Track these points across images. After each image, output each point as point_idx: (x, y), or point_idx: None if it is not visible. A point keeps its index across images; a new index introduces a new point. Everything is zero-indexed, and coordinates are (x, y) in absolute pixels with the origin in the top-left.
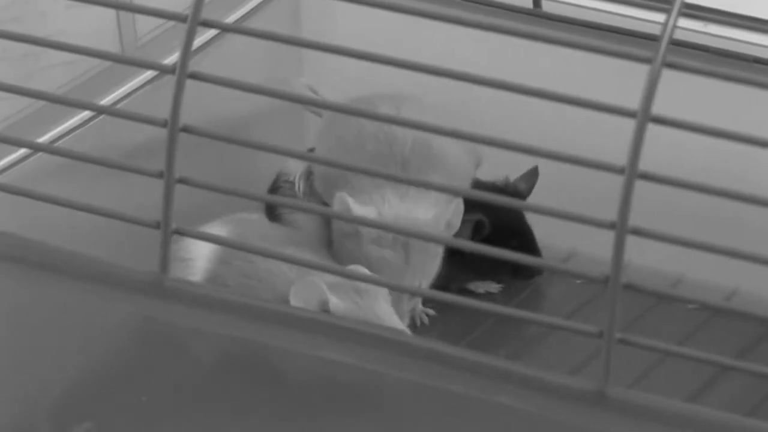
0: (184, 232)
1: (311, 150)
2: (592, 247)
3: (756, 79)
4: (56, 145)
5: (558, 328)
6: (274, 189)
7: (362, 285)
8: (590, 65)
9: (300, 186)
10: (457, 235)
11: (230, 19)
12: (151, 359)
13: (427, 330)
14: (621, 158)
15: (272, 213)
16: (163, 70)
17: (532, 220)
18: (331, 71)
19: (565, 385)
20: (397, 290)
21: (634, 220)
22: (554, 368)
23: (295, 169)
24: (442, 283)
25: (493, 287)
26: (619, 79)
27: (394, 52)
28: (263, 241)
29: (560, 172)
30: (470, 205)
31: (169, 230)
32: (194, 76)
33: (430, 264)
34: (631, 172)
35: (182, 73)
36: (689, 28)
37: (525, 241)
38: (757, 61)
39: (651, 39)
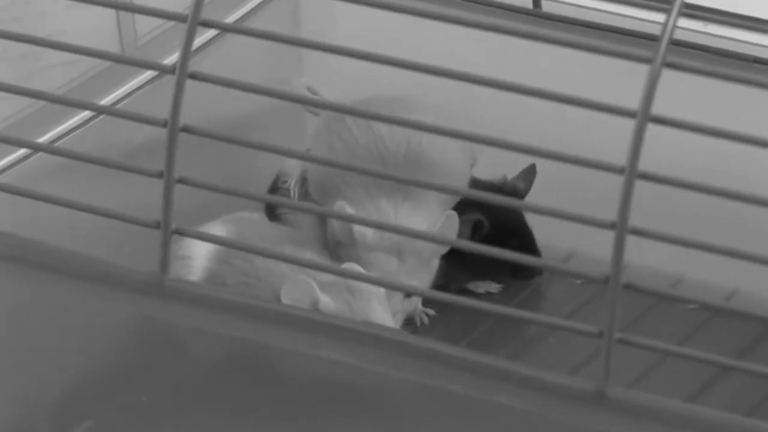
0: (184, 232)
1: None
2: (592, 247)
3: (756, 79)
4: (56, 145)
5: (558, 328)
6: (274, 189)
7: (356, 285)
8: (590, 65)
9: (295, 191)
10: (457, 235)
11: (230, 19)
12: (151, 359)
13: (427, 330)
14: (621, 158)
15: (272, 213)
16: (163, 70)
17: (532, 220)
18: (331, 71)
19: (565, 385)
20: (394, 289)
21: (634, 220)
22: (554, 368)
23: (295, 169)
24: (441, 283)
25: (493, 287)
26: (619, 79)
27: (394, 52)
28: (263, 240)
29: (560, 172)
30: (469, 205)
31: (169, 230)
32: (194, 76)
33: (424, 270)
34: (631, 172)
35: (182, 73)
36: (689, 28)
37: (525, 241)
38: (757, 61)
39: (651, 39)
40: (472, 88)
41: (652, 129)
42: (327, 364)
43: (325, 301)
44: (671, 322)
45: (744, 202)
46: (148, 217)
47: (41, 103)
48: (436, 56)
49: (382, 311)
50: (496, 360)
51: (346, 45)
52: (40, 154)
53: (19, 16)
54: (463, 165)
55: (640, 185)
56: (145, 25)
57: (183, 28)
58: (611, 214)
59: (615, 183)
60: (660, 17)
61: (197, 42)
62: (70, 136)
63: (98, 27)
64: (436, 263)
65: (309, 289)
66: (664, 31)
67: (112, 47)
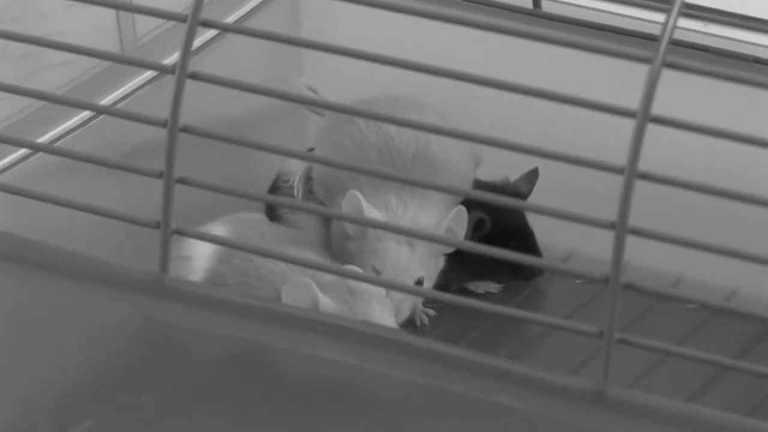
0: (184, 232)
1: (311, 150)
2: (592, 247)
3: (756, 79)
4: (56, 145)
5: (558, 328)
6: (274, 189)
7: (357, 286)
8: (590, 65)
9: (299, 189)
10: None
11: (230, 19)
12: (151, 359)
13: (427, 330)
14: (621, 158)
15: (272, 213)
16: (163, 70)
17: (532, 220)
18: (331, 71)
19: (565, 385)
20: (395, 289)
21: (634, 220)
22: (554, 368)
23: (295, 169)
24: (442, 283)
25: (493, 287)
26: (619, 79)
27: (394, 52)
28: (263, 240)
29: (560, 172)
30: (471, 204)
31: (169, 230)
32: (194, 76)
33: (433, 261)
34: (631, 172)
35: (182, 73)
36: (689, 28)
37: (525, 242)
38: (757, 61)
39: (651, 39)
40: (472, 88)
41: (652, 129)
42: (327, 364)
43: (326, 302)
44: (671, 322)
45: (744, 202)
46: (148, 217)
47: (41, 103)
48: (436, 56)
49: (383, 312)
50: (496, 360)
51: (346, 45)
52: (40, 154)
53: (19, 16)
54: (467, 165)
55: (640, 185)
56: (145, 25)
57: (183, 28)
58: (611, 214)
59: (615, 183)
60: (660, 17)
61: (197, 42)
62: (70, 136)
63: (98, 27)
64: (443, 257)
65: (309, 290)
66: (664, 31)
67: (112, 47)
